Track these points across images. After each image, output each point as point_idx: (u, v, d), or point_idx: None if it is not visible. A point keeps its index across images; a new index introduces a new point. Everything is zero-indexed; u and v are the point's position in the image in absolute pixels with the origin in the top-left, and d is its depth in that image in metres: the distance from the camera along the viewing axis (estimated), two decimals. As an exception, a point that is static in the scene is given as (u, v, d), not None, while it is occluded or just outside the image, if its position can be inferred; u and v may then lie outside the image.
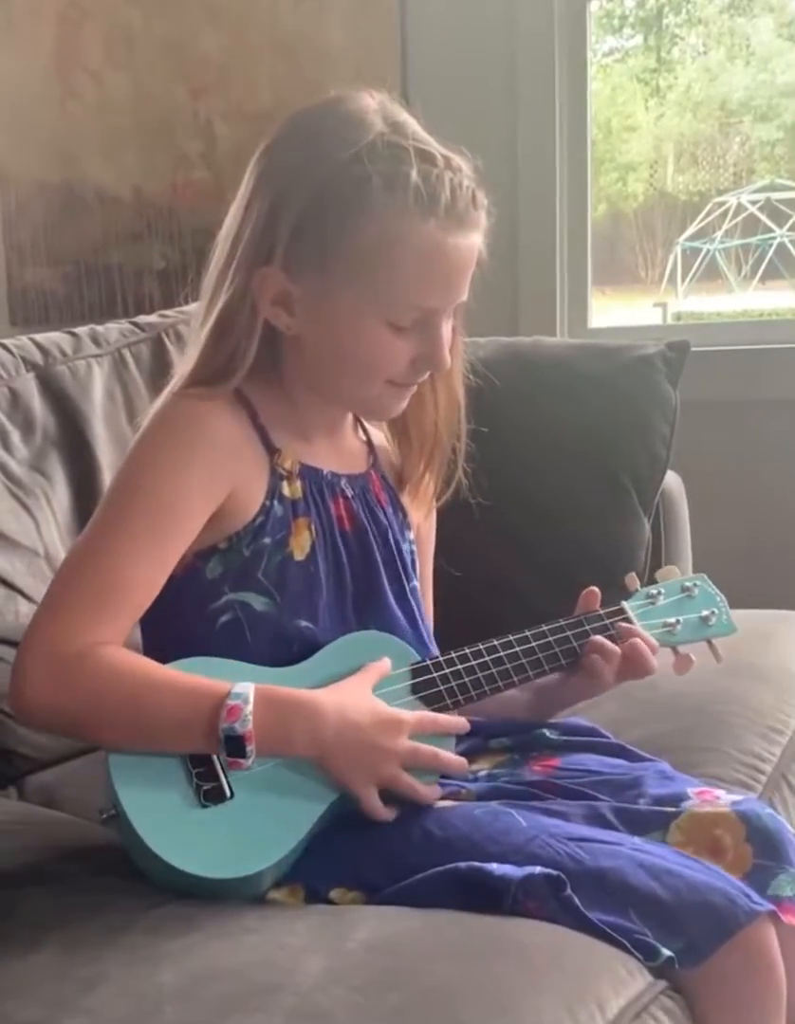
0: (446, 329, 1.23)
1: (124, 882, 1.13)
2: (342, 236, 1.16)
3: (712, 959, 1.06)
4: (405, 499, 1.37)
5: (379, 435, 1.38)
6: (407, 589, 1.32)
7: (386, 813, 1.15)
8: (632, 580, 1.39)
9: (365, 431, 1.38)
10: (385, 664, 1.21)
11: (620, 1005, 1.00)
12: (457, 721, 1.22)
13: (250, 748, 1.09)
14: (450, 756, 1.19)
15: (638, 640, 1.30)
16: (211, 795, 1.11)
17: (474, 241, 1.20)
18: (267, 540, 1.21)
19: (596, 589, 1.35)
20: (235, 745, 1.08)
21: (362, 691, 1.18)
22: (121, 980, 0.97)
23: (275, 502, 1.22)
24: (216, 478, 1.19)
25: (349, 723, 1.13)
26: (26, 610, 1.60)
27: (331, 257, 1.17)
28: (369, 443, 1.37)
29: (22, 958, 1.01)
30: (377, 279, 1.17)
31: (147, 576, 1.16)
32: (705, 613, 1.37)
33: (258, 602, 1.21)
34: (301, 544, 1.23)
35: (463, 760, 1.21)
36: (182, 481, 1.17)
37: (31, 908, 1.10)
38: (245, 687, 1.10)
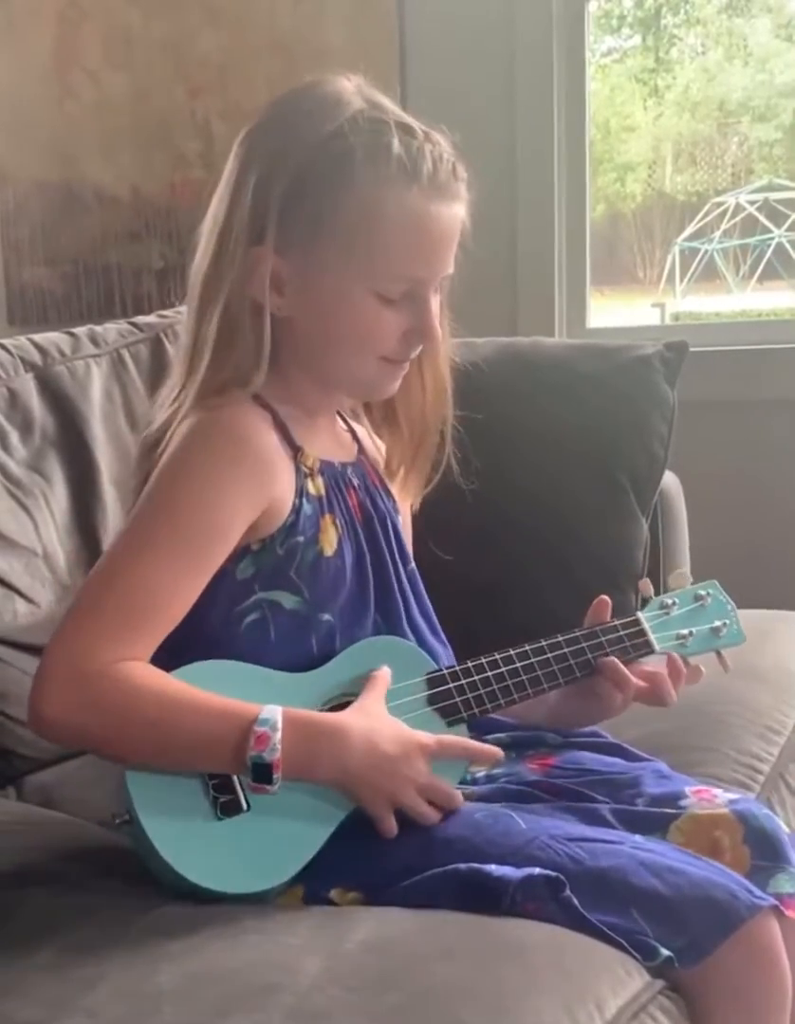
0: (435, 302, 1.23)
1: (123, 883, 1.13)
2: (328, 210, 1.17)
3: (715, 955, 1.06)
4: (395, 487, 1.37)
5: (358, 426, 1.38)
6: (406, 573, 1.32)
7: (395, 829, 1.15)
8: (646, 586, 1.38)
9: (346, 421, 1.37)
10: (386, 673, 1.20)
11: (618, 1005, 1.00)
12: (491, 750, 1.22)
13: (277, 775, 1.08)
14: (459, 796, 1.18)
15: (662, 674, 1.30)
16: (227, 808, 1.10)
17: (457, 211, 1.21)
18: (300, 538, 1.21)
19: (607, 598, 1.34)
20: (262, 772, 1.08)
21: (383, 712, 1.17)
22: (120, 980, 0.97)
23: (304, 501, 1.22)
24: (258, 493, 1.18)
25: (376, 750, 1.12)
26: (24, 610, 1.60)
27: (318, 232, 1.18)
28: (352, 432, 1.37)
29: (21, 958, 1.01)
30: (364, 250, 1.18)
31: (182, 596, 1.14)
32: (717, 624, 1.37)
33: (289, 600, 1.20)
34: (330, 540, 1.23)
35: (461, 796, 1.20)
36: (227, 500, 1.16)
37: (30, 908, 1.10)
38: (273, 712, 1.09)
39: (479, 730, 1.34)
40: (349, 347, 1.23)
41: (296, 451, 1.23)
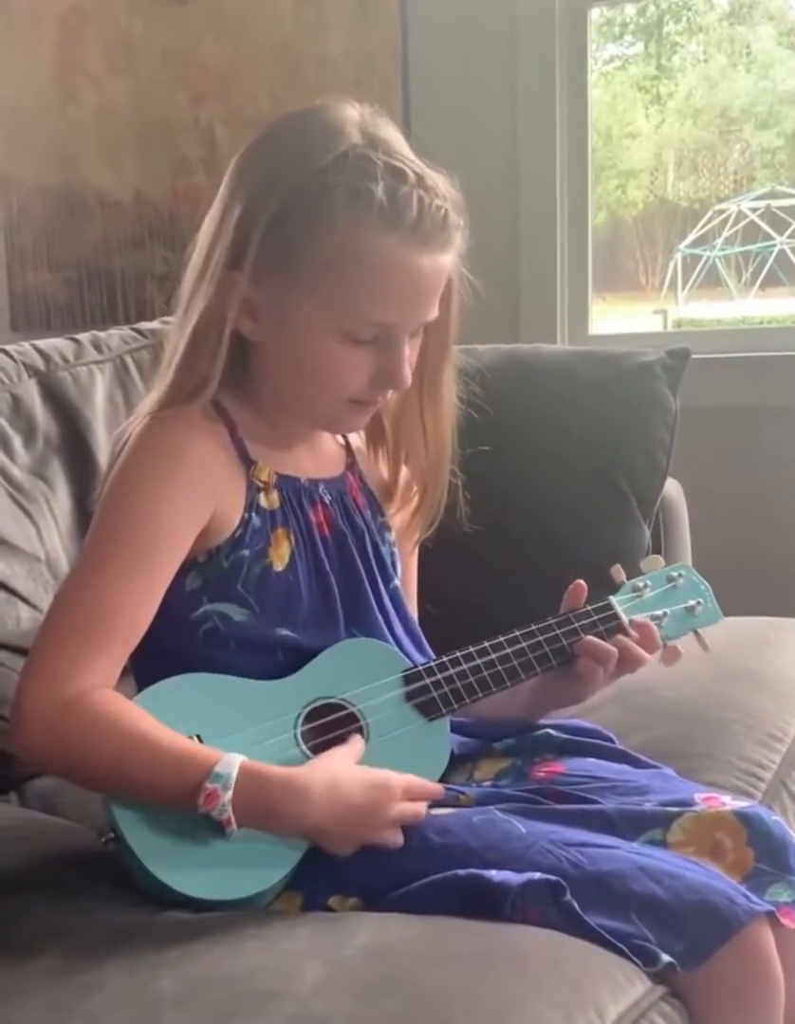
0: (410, 348, 1.22)
1: (124, 888, 1.13)
2: (304, 245, 1.16)
3: (712, 961, 1.06)
4: (391, 509, 1.37)
5: (355, 438, 1.38)
6: (387, 591, 1.32)
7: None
8: (617, 572, 1.37)
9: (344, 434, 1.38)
10: (357, 745, 1.18)
11: (619, 1011, 1.00)
12: (436, 789, 1.20)
13: (230, 830, 1.07)
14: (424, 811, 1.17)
15: (627, 639, 1.30)
16: None
17: (441, 262, 1.19)
18: (246, 552, 1.21)
19: (582, 583, 1.35)
20: (215, 826, 1.07)
21: (349, 761, 1.15)
22: (120, 986, 0.97)
23: (253, 514, 1.22)
24: (200, 504, 1.19)
25: (339, 801, 1.11)
26: (27, 615, 1.60)
27: (293, 265, 1.17)
28: (347, 445, 1.37)
29: (22, 963, 1.01)
30: (335, 290, 1.17)
31: (137, 612, 1.15)
32: (691, 603, 1.37)
33: (237, 613, 1.21)
34: (280, 555, 1.24)
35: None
36: (167, 513, 1.17)
37: (32, 914, 1.10)
38: (228, 766, 1.07)
39: (486, 738, 1.34)
40: (314, 383, 1.23)
41: (249, 464, 1.23)
